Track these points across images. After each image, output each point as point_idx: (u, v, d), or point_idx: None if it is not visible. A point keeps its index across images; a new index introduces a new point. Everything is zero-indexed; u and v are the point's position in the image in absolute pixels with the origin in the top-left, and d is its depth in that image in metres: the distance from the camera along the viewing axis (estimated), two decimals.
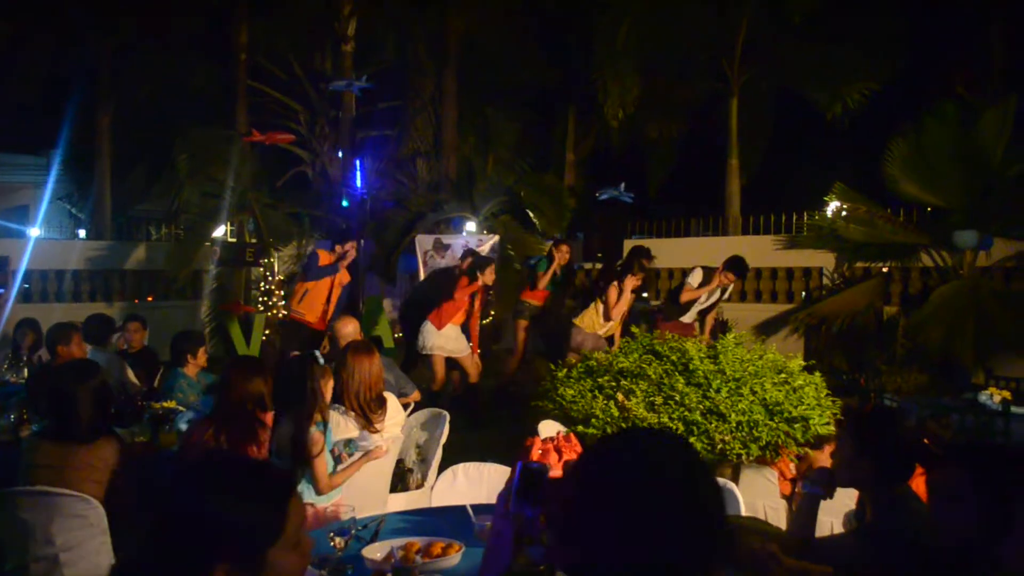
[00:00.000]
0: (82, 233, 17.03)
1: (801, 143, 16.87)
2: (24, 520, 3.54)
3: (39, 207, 17.72)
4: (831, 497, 3.05)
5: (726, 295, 8.96)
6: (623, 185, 13.07)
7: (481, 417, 8.23)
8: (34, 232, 14.64)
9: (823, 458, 4.42)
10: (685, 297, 8.63)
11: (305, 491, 3.77)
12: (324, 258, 8.38)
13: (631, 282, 8.40)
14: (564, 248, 9.69)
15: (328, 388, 4.01)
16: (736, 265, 8.58)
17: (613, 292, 8.31)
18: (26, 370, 6.45)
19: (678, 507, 1.29)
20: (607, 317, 8.32)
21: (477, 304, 8.53)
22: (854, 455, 2.87)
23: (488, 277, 8.36)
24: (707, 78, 14.34)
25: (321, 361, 3.94)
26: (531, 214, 13.22)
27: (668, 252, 12.66)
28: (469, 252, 9.55)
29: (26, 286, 12.14)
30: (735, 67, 13.80)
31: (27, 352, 7.05)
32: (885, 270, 10.55)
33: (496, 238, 11.61)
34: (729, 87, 13.94)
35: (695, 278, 8.61)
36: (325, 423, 4.32)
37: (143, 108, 14.79)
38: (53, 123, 15.01)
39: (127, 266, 13.37)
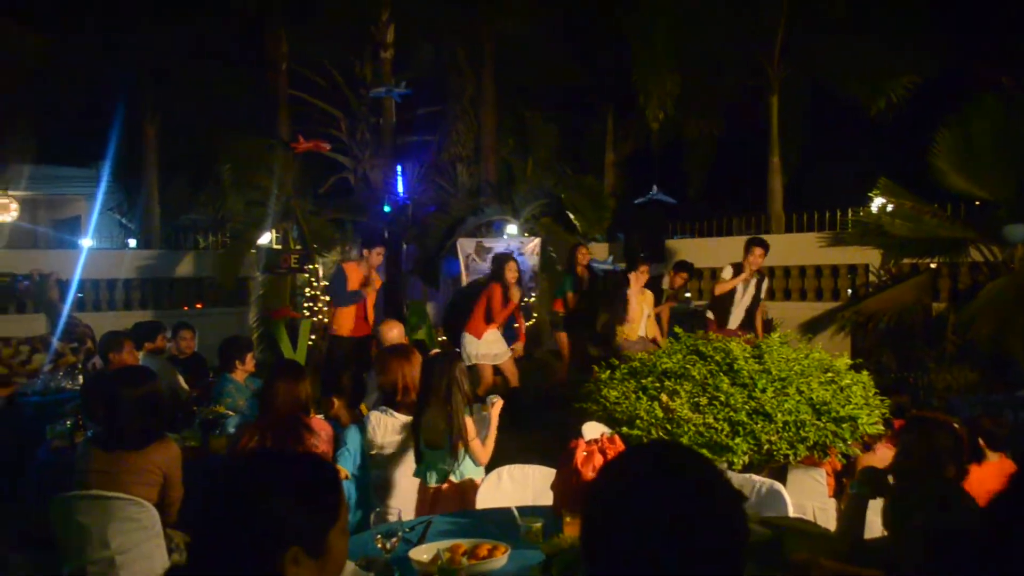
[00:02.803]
0: (132, 243, 17.37)
1: (842, 139, 16.65)
2: (81, 523, 3.63)
3: (90, 218, 18.11)
4: (879, 496, 3.01)
5: (763, 290, 8.84)
6: (655, 187, 13.02)
7: (524, 420, 8.24)
8: (86, 243, 14.97)
9: (873, 459, 4.36)
10: (719, 289, 8.53)
11: (467, 469, 4.00)
12: (352, 276, 8.20)
13: (637, 280, 8.47)
14: (583, 251, 9.87)
15: (466, 381, 4.14)
16: (754, 241, 8.49)
17: (632, 302, 8.43)
18: (81, 377, 6.61)
19: (693, 519, 1.30)
20: (626, 321, 8.40)
21: (511, 303, 8.54)
22: (937, 463, 2.87)
23: (510, 275, 8.43)
24: (746, 76, 14.22)
25: (464, 358, 4.18)
26: (572, 216, 13.22)
27: (709, 252, 12.58)
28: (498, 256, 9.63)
29: (79, 295, 12.42)
30: (774, 63, 13.66)
31: (83, 358, 7.24)
32: (933, 266, 10.36)
33: (538, 240, 11.63)
34: (768, 84, 13.81)
35: (727, 272, 8.51)
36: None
37: (187, 118, 15.05)
38: (101, 136, 15.33)
39: (176, 274, 13.60)
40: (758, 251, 8.33)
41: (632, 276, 8.58)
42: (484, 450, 4.06)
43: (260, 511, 1.57)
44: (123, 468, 3.83)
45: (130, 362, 5.81)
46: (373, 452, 4.38)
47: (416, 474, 4.12)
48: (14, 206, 15.19)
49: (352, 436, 4.39)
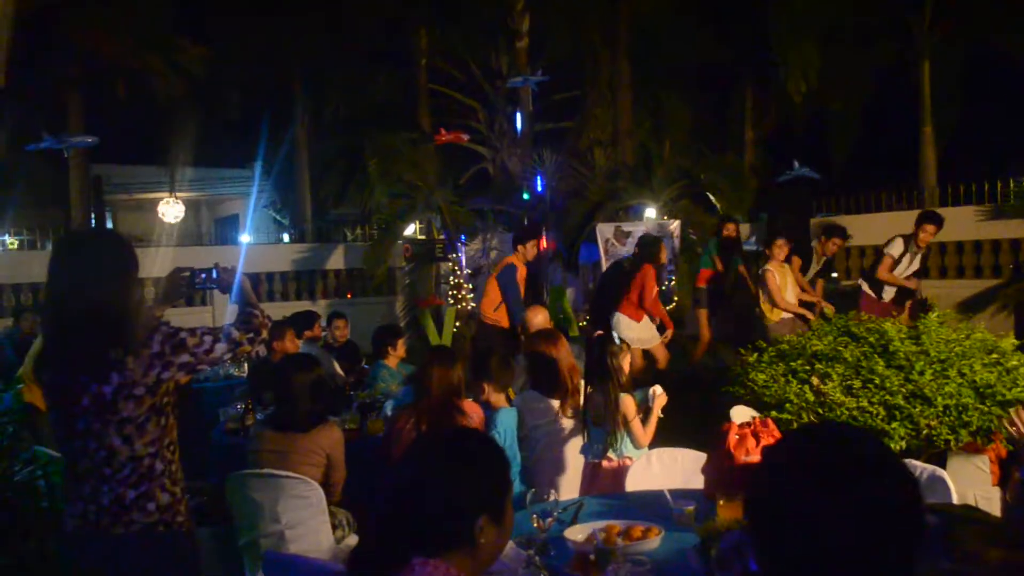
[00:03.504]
0: (286, 237, 18.27)
1: (1001, 105, 15.58)
2: (254, 500, 3.90)
3: (247, 215, 19.16)
4: None
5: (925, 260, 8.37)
6: (797, 163, 12.58)
7: (668, 403, 8.13)
8: (245, 238, 15.86)
9: None
10: (884, 270, 8.02)
11: (625, 447, 4.16)
12: (520, 269, 8.17)
13: (779, 253, 8.03)
14: (729, 225, 9.80)
15: (626, 362, 4.28)
16: (928, 217, 7.92)
17: (771, 278, 7.94)
18: (246, 364, 7.04)
19: (867, 506, 1.28)
20: (774, 304, 7.95)
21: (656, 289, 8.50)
22: None
23: (664, 256, 8.48)
24: (894, 41, 13.53)
25: (616, 340, 4.32)
26: (712, 197, 12.97)
27: (859, 229, 12.08)
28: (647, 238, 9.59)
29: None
30: (925, 27, 12.93)
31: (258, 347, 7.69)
32: None
33: (677, 223, 11.49)
34: (918, 49, 13.08)
35: (896, 248, 7.95)
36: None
37: (335, 118, 15.69)
38: (256, 138, 16.20)
39: (327, 266, 14.21)
40: (931, 228, 7.82)
41: (770, 251, 8.20)
42: (644, 432, 4.15)
43: (454, 485, 1.74)
44: (292, 449, 4.08)
45: (291, 350, 6.14)
46: (522, 435, 4.49)
47: (581, 451, 4.28)
48: (180, 207, 16.28)
49: (503, 419, 4.51)
